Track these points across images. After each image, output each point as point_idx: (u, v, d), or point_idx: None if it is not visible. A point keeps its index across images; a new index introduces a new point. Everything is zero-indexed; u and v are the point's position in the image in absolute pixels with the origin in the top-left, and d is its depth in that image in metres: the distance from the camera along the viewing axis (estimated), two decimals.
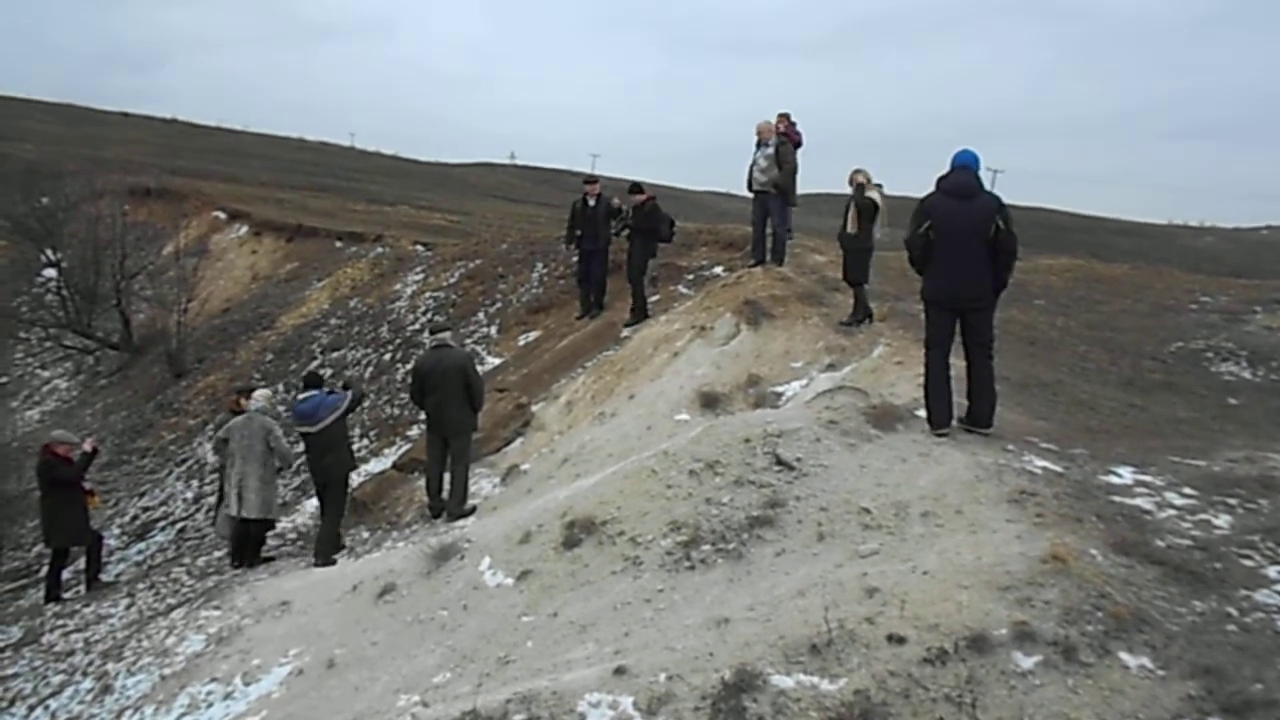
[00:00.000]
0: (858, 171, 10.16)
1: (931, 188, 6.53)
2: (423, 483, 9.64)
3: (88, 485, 10.67)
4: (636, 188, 12.83)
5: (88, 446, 10.82)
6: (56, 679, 7.85)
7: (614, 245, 13.09)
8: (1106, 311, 12.78)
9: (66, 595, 10.52)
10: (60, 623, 9.29)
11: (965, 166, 6.46)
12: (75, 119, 51.26)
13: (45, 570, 10.88)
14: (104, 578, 10.90)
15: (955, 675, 4.07)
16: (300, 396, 9.65)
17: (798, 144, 13.94)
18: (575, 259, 13.76)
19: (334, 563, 8.84)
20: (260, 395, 10.10)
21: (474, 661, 5.49)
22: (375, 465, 11.86)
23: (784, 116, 13.97)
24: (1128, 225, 54.60)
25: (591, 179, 13.41)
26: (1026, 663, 4.09)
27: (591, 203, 12.87)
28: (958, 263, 6.40)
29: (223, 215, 26.57)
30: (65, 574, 10.81)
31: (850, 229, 10.06)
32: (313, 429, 9.15)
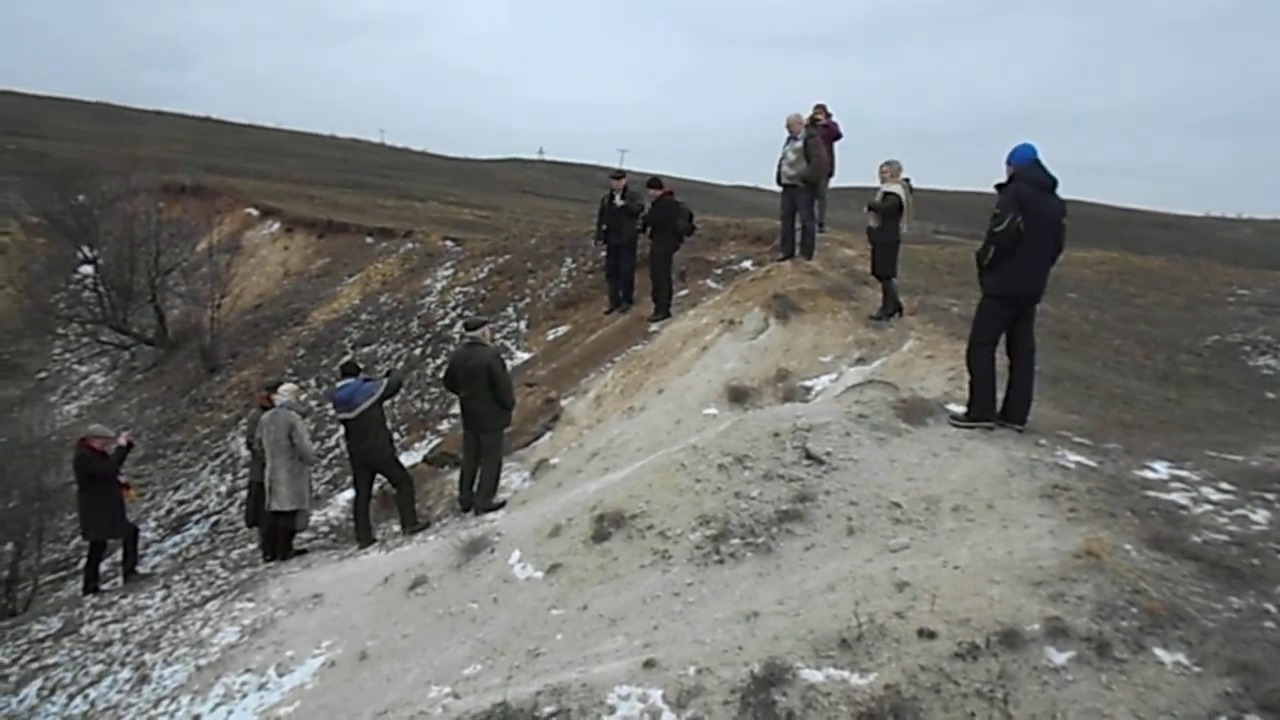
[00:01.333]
0: (885, 165, 10.09)
1: (1003, 179, 6.35)
2: (453, 476, 9.71)
3: (123, 479, 10.86)
4: (655, 182, 12.77)
5: (123, 440, 11.00)
6: (95, 668, 7.98)
7: (642, 240, 13.08)
8: (1141, 305, 12.59)
9: (104, 587, 10.71)
10: (98, 614, 9.44)
11: (1038, 161, 6.30)
12: (110, 117, 52.12)
13: (84, 562, 11.09)
14: (140, 570, 11.09)
15: (987, 670, 4.04)
16: (338, 385, 9.84)
17: (837, 136, 13.83)
18: (604, 254, 13.78)
19: (428, 525, 9.07)
20: (286, 390, 10.20)
21: (504, 654, 5.52)
22: (406, 459, 11.94)
23: (821, 108, 13.86)
24: (1164, 218, 53.83)
25: (618, 175, 13.37)
26: (1059, 658, 4.05)
27: (618, 198, 12.87)
28: (1036, 258, 6.32)
29: (255, 212, 26.94)
30: (103, 566, 11.01)
31: (872, 223, 10.00)
32: (350, 415, 9.32)
